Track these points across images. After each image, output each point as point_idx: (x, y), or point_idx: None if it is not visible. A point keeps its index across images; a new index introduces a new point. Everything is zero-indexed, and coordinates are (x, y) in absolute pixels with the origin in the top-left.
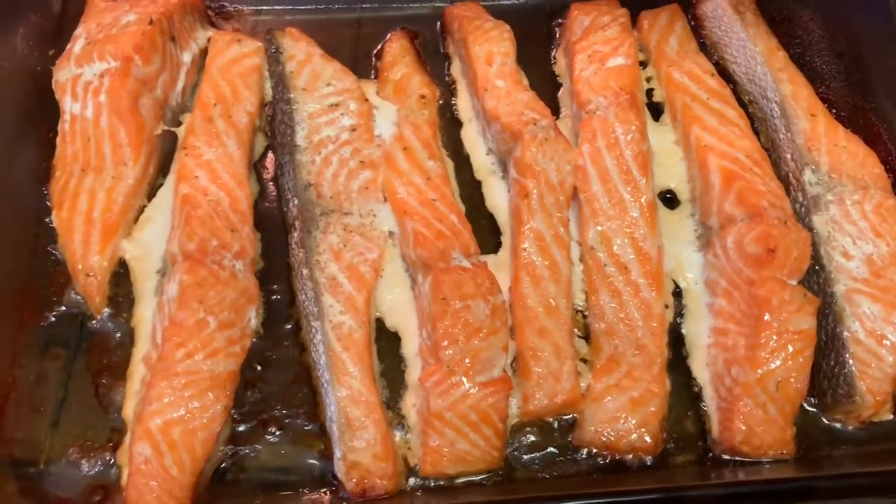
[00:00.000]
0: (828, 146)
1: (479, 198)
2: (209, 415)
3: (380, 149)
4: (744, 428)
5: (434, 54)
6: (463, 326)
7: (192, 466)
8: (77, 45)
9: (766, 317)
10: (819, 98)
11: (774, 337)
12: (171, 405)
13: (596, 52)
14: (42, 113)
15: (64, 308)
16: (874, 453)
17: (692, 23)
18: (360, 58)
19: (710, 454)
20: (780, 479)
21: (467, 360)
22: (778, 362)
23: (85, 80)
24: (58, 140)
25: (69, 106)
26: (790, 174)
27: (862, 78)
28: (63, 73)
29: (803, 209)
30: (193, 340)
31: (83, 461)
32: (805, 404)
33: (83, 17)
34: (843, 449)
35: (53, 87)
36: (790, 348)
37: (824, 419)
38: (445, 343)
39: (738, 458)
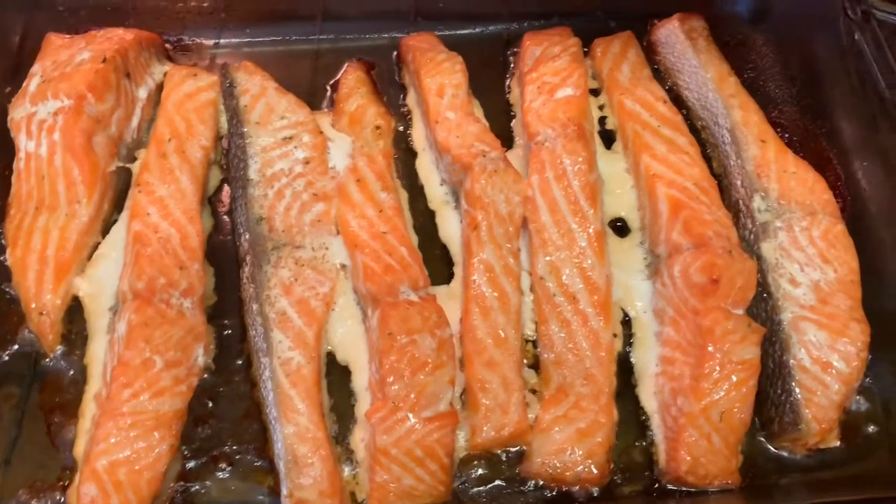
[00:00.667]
0: (777, 172)
1: (432, 227)
2: (155, 454)
3: (333, 181)
4: (688, 458)
5: (391, 84)
6: (409, 361)
7: None
8: (32, 83)
9: (710, 347)
10: (771, 122)
11: (718, 367)
12: (117, 445)
13: (545, 83)
14: None
15: (17, 346)
16: (822, 481)
17: (646, 49)
18: (318, 88)
19: (657, 484)
20: None
21: (413, 396)
22: (721, 393)
23: (39, 119)
24: (13, 178)
25: (24, 144)
26: (740, 201)
27: (814, 102)
28: (18, 112)
29: (752, 236)
30: (140, 380)
31: (34, 500)
32: (753, 432)
33: (39, 54)
34: (791, 477)
35: (9, 125)
36: (734, 378)
37: (772, 447)
38: (391, 378)
39: (684, 489)
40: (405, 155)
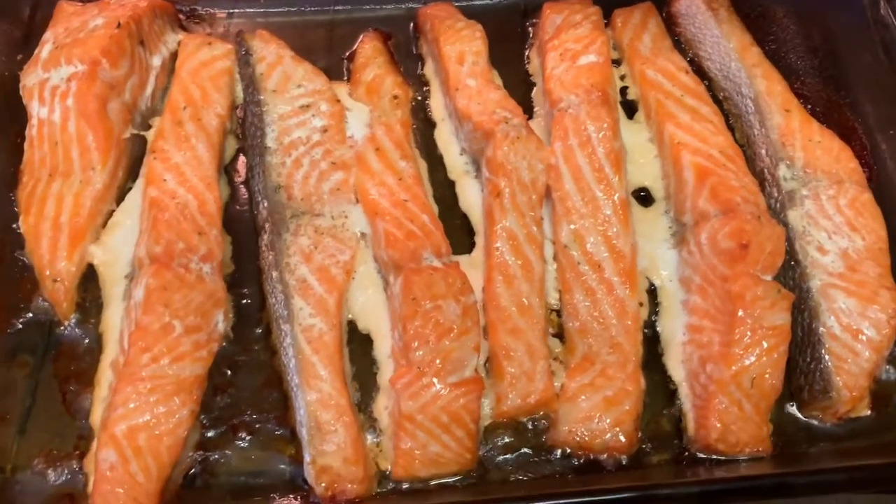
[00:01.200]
0: (802, 141)
1: (452, 198)
2: (175, 420)
3: (352, 150)
4: (719, 425)
5: (407, 55)
6: (433, 327)
7: (159, 472)
8: (45, 49)
9: (740, 313)
10: (794, 94)
11: (748, 333)
12: (137, 410)
13: (567, 49)
14: (9, 118)
15: (31, 315)
16: (852, 449)
17: (666, 20)
18: (332, 60)
19: (686, 453)
20: (755, 476)
21: (438, 361)
22: (752, 358)
23: (52, 85)
24: (25, 145)
25: (37, 111)
26: (765, 170)
27: (836, 73)
28: (30, 78)
29: (778, 205)
30: (159, 345)
31: (50, 469)
32: (782, 402)
33: (51, 21)
34: (820, 446)
35: (21, 91)
36: (764, 344)
37: (801, 416)
38: (416, 344)
39: (713, 457)
40: (423, 125)
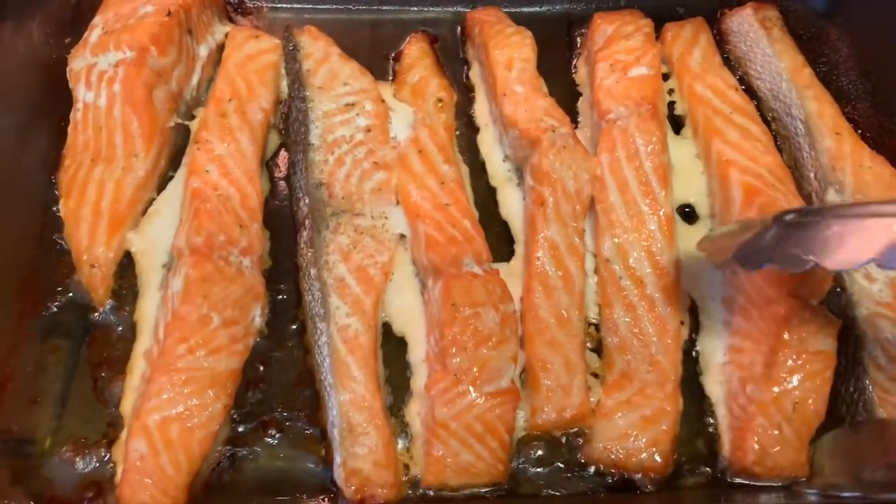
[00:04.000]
0: (853, 166)
1: (493, 205)
2: (208, 413)
3: (394, 151)
4: (757, 448)
5: (452, 59)
6: (472, 334)
7: (189, 466)
8: (93, 34)
9: (786, 336)
10: (845, 117)
11: (793, 356)
12: (170, 402)
13: (618, 61)
14: (55, 101)
15: (66, 299)
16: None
17: (716, 37)
18: (376, 59)
19: (721, 476)
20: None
21: (475, 369)
22: (795, 382)
23: (100, 70)
24: (69, 129)
25: (82, 95)
26: (813, 193)
27: (889, 98)
28: (78, 62)
29: None
30: (196, 336)
31: (78, 455)
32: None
33: (101, 6)
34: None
35: (67, 75)
36: (809, 368)
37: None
38: (453, 350)
39: (749, 482)
40: (466, 130)
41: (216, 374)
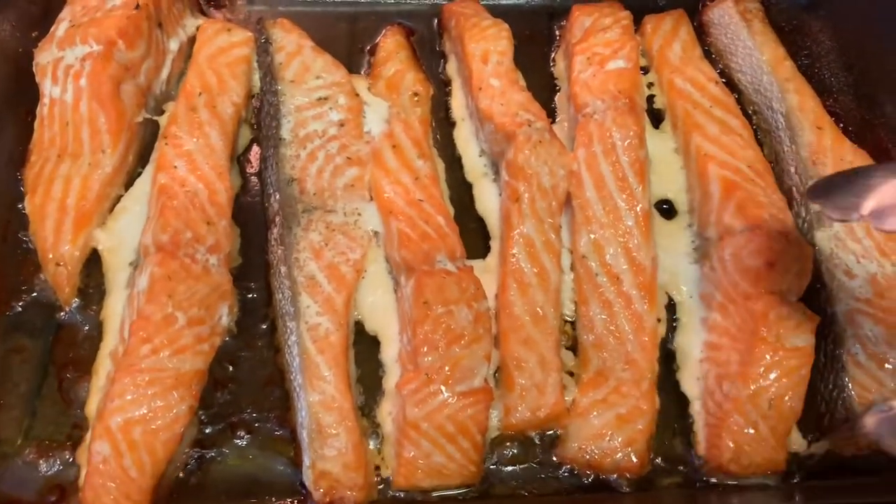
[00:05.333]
0: (834, 160)
1: (469, 200)
2: (172, 415)
3: (368, 146)
4: (732, 446)
5: (429, 52)
6: (444, 332)
7: (153, 468)
8: (60, 27)
9: (763, 332)
10: (826, 111)
11: (770, 353)
12: (134, 403)
13: (596, 53)
14: (21, 96)
15: (31, 297)
16: (871, 485)
17: (697, 29)
18: (354, 53)
19: (697, 476)
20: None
21: (447, 368)
22: (772, 379)
23: (66, 64)
24: (35, 124)
25: (49, 89)
26: (794, 188)
27: (871, 92)
28: (44, 56)
29: (806, 224)
30: (160, 336)
31: (41, 458)
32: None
33: None
34: (838, 478)
35: (34, 69)
36: (786, 365)
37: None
38: (425, 349)
39: (726, 481)
40: (442, 125)
41: (181, 375)
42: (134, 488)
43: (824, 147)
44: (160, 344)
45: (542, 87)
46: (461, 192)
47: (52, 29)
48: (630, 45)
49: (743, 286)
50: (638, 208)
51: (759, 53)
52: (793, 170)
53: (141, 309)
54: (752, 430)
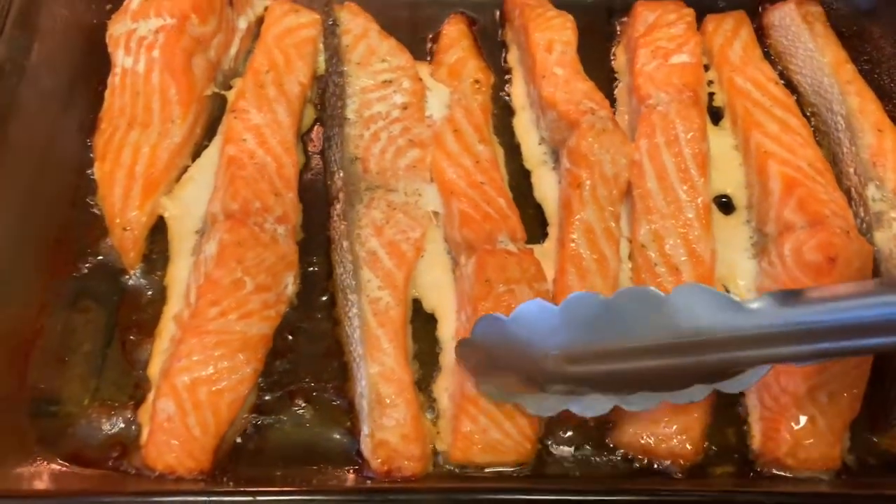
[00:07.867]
0: (894, 162)
1: (527, 187)
2: (238, 376)
3: (430, 129)
4: (789, 439)
5: (490, 42)
6: (505, 310)
7: (216, 428)
8: (134, 1)
9: None
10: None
11: None
12: (200, 363)
13: (660, 47)
14: (94, 66)
15: (97, 261)
16: None
17: (757, 31)
18: (415, 41)
19: (751, 467)
20: (822, 494)
21: None
22: (831, 374)
23: (139, 35)
24: (106, 93)
25: (121, 60)
26: (852, 188)
27: None
28: (118, 28)
29: (864, 225)
30: (228, 299)
31: (104, 416)
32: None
33: None
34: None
35: (107, 40)
36: (846, 361)
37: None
38: None
39: (779, 473)
40: (502, 113)
41: (247, 339)
42: (197, 447)
43: (885, 149)
44: (228, 307)
45: (600, 82)
46: (519, 180)
47: (125, 2)
48: (694, 41)
49: (802, 281)
50: (699, 200)
51: (820, 56)
52: (852, 171)
53: (210, 272)
54: (810, 425)
